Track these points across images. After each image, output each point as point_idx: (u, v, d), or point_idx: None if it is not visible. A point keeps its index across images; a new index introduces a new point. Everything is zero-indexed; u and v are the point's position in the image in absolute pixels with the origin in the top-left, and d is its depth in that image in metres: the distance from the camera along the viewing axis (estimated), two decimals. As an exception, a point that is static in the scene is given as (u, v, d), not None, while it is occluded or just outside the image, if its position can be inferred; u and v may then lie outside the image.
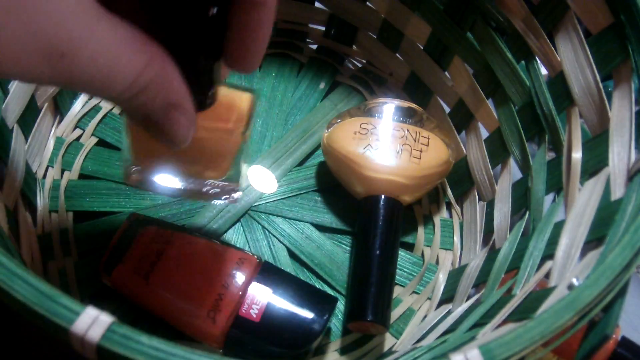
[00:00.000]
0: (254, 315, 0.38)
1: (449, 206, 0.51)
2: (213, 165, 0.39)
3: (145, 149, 0.37)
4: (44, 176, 0.46)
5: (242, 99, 0.34)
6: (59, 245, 0.43)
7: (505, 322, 0.32)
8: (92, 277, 0.43)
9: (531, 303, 0.31)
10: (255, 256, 0.41)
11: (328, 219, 0.48)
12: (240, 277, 0.39)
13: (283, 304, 0.39)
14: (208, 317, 0.38)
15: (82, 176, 0.47)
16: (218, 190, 0.40)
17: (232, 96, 0.34)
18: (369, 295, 0.40)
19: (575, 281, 0.28)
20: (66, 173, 0.47)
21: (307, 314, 0.39)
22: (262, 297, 0.39)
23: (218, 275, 0.39)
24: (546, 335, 0.24)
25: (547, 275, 0.34)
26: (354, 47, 0.57)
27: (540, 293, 0.31)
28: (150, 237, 0.40)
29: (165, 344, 0.21)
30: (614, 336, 0.37)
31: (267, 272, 0.40)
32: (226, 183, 0.39)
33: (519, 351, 0.23)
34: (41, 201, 0.45)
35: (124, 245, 0.39)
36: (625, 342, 0.37)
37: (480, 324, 0.35)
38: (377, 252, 0.42)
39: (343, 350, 0.43)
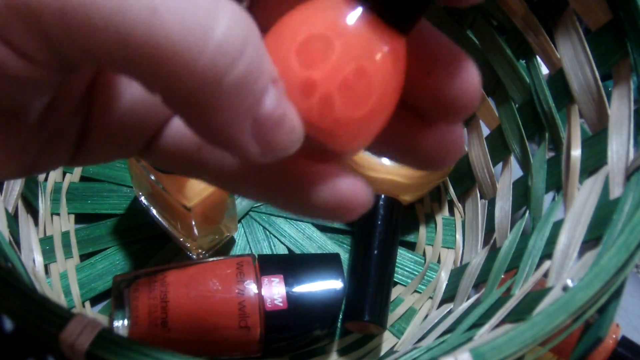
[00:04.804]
0: (281, 304, 0.39)
1: (451, 204, 0.51)
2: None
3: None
4: (45, 179, 0.46)
5: None
6: (61, 248, 0.44)
7: (503, 322, 0.32)
8: (93, 280, 0.43)
9: (528, 304, 0.31)
10: (248, 255, 0.41)
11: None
12: (249, 279, 0.39)
13: (299, 281, 0.40)
14: (241, 329, 0.38)
15: (83, 178, 0.47)
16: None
17: None
18: (367, 295, 0.40)
19: (569, 282, 0.28)
20: (67, 175, 0.47)
21: (325, 278, 0.40)
22: (278, 286, 0.39)
23: (229, 288, 0.38)
24: (539, 338, 0.23)
25: (546, 275, 0.34)
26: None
27: (538, 293, 0.31)
28: (146, 287, 0.38)
29: (154, 350, 0.21)
30: (613, 336, 0.37)
31: (267, 263, 0.41)
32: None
33: (511, 354, 0.23)
34: (43, 204, 0.45)
35: (124, 308, 0.38)
36: (625, 342, 0.37)
37: (478, 324, 0.34)
38: (376, 251, 0.42)
39: (344, 350, 0.43)
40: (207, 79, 0.13)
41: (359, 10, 0.16)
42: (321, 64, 0.15)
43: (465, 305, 0.41)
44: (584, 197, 0.34)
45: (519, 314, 0.31)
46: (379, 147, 0.19)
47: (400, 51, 0.16)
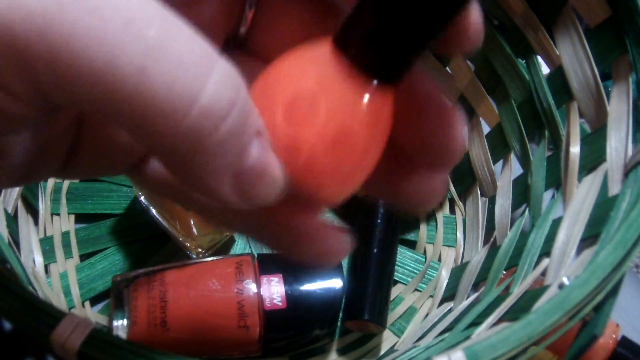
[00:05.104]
0: (280, 304, 0.39)
1: (452, 202, 0.50)
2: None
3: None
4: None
5: None
6: (61, 248, 0.44)
7: (501, 320, 0.32)
8: (93, 280, 0.43)
9: (526, 302, 0.31)
10: (248, 254, 0.41)
11: (328, 218, 0.48)
12: (248, 279, 0.39)
13: (299, 281, 0.40)
14: (240, 328, 0.38)
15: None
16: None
17: None
18: (367, 294, 0.40)
19: (565, 280, 0.28)
20: (68, 176, 0.47)
21: (324, 277, 0.40)
22: (276, 285, 0.39)
23: (228, 287, 0.38)
24: (534, 337, 0.23)
25: (545, 273, 0.33)
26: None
27: (535, 292, 0.31)
28: (145, 287, 0.38)
29: (145, 349, 0.21)
30: (613, 336, 0.36)
31: (266, 262, 0.41)
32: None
33: (504, 353, 0.23)
34: (43, 204, 0.45)
35: (124, 308, 0.38)
36: (625, 342, 0.37)
37: (476, 323, 0.34)
38: (375, 250, 0.42)
39: (344, 350, 0.43)
40: (190, 139, 0.13)
41: (345, 62, 0.15)
42: (307, 121, 0.15)
43: (466, 303, 0.41)
44: (583, 194, 0.34)
45: (517, 312, 0.31)
46: (362, 190, 0.19)
47: (386, 103, 0.16)
